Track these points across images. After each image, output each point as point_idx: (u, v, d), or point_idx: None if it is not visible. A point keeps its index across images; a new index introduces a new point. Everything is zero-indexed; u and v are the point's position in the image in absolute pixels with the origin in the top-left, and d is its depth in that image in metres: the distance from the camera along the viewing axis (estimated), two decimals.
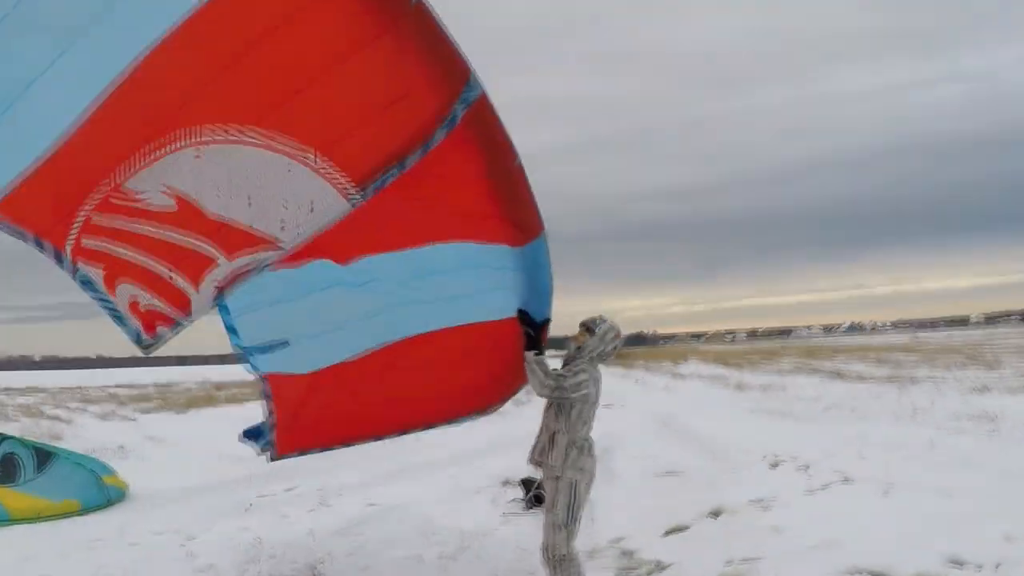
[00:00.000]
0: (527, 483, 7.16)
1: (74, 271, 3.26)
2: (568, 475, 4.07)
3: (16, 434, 9.97)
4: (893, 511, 6.12)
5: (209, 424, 16.06)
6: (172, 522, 7.12)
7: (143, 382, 32.79)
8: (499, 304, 4.20)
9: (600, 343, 4.18)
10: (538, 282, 4.05)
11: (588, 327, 4.23)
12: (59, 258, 3.25)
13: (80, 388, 29.86)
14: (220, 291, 3.25)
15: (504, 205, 3.61)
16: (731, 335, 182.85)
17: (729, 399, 18.14)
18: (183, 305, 3.27)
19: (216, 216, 3.13)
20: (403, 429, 5.08)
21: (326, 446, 5.24)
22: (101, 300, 3.30)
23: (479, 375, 4.65)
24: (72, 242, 3.21)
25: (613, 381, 21.84)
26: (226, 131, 2.99)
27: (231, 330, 4.32)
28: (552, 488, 4.15)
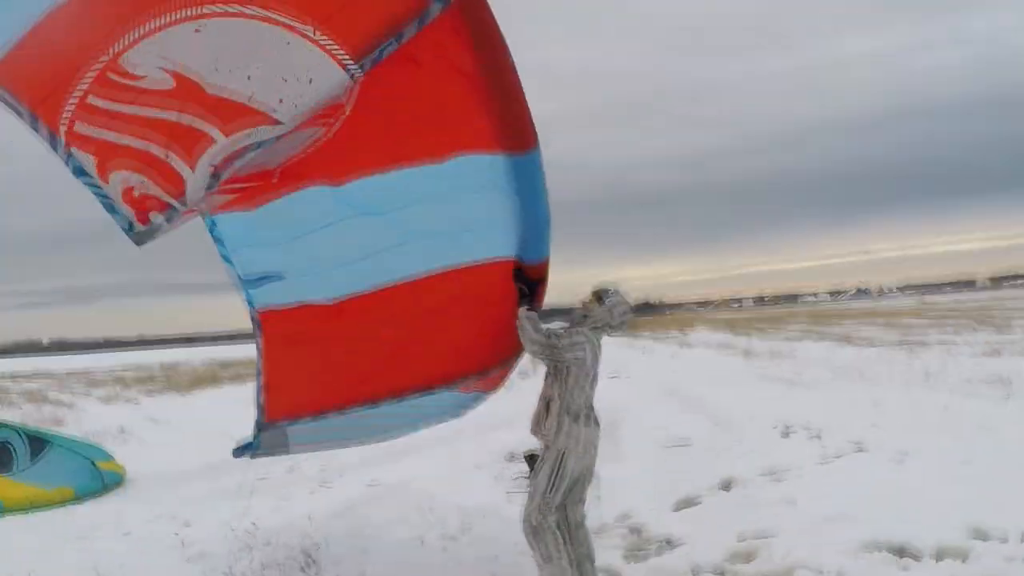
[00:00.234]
0: (531, 458, 6.99)
1: (67, 157, 3.25)
2: (559, 443, 3.91)
3: (17, 420, 9.90)
4: (910, 480, 5.94)
5: (211, 404, 16.02)
6: (168, 508, 7.01)
7: (150, 363, 32.90)
8: (498, 239, 4.12)
9: (607, 315, 4.05)
10: (534, 209, 3.97)
11: (599, 295, 4.10)
12: (53, 141, 3.23)
13: (87, 372, 29.96)
14: (216, 173, 3.26)
15: (498, 103, 3.61)
16: (738, 302, 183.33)
17: (738, 367, 17.94)
18: (178, 185, 3.27)
19: (215, 91, 3.16)
20: (397, 394, 4.93)
21: (318, 412, 5.06)
22: (93, 188, 3.30)
23: (469, 331, 4.55)
24: (66, 124, 3.21)
25: (619, 351, 21.70)
26: (226, 5, 3.04)
27: (227, 260, 4.33)
28: (541, 455, 4.01)
